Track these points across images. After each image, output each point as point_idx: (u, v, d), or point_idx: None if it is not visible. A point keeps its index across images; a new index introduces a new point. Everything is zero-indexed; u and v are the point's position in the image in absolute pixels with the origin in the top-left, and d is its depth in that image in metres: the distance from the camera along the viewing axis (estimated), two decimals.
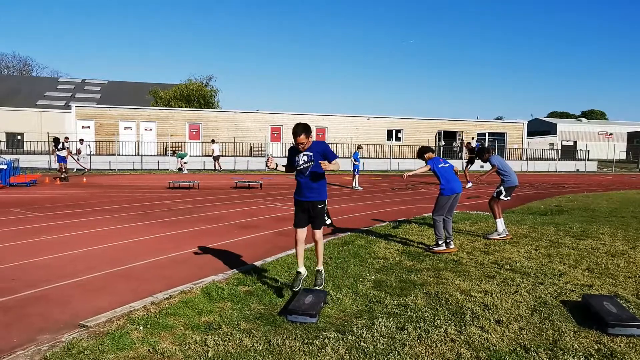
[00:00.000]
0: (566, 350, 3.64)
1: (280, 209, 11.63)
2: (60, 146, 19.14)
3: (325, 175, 4.81)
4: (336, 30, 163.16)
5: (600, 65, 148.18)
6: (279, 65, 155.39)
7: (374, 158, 32.52)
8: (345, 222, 9.64)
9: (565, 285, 5.32)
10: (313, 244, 4.99)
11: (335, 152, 4.82)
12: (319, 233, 4.78)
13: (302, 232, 4.79)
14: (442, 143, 35.25)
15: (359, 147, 18.71)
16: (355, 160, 17.55)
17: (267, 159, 4.69)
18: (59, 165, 19.03)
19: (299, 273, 4.73)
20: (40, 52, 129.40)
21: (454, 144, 36.09)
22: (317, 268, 4.87)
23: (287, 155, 4.84)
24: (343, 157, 28.16)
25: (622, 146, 54.40)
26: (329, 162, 4.56)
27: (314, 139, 4.73)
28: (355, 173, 17.45)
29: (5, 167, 15.86)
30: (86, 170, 23.32)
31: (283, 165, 4.94)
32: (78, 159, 22.68)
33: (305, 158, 4.60)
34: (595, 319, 4.14)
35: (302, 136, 4.52)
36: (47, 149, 26.98)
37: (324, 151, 4.64)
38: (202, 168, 28.14)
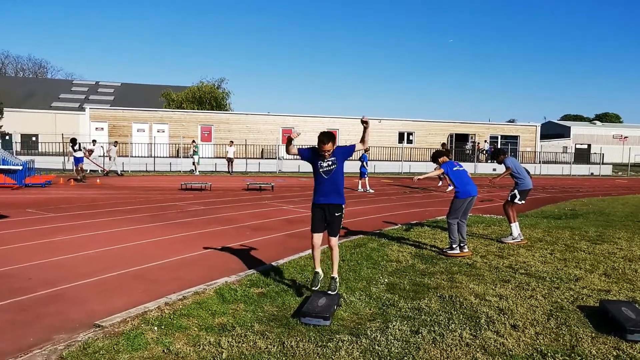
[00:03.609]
0: (584, 356, 3.58)
1: (292, 211, 11.64)
2: (76, 147, 19.34)
3: (344, 180, 4.86)
4: (347, 32, 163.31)
5: (614, 67, 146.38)
6: (291, 67, 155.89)
7: (385, 161, 32.41)
8: (357, 224, 9.62)
9: (581, 290, 5.25)
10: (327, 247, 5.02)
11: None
12: (334, 240, 4.82)
13: (318, 237, 4.83)
14: (468, 146, 35.05)
15: (366, 149, 18.67)
16: (365, 164, 17.51)
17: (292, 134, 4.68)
18: (79, 166, 19.22)
19: (316, 273, 4.82)
20: (55, 54, 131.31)
21: (465, 146, 35.86)
22: (331, 275, 4.86)
23: (306, 148, 4.87)
24: (355, 160, 28.21)
25: (638, 150, 53.57)
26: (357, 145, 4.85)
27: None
28: (363, 176, 17.33)
29: (20, 168, 16.08)
30: (102, 171, 23.45)
31: (295, 146, 4.82)
32: (95, 160, 22.86)
33: (330, 162, 4.70)
34: (613, 325, 4.07)
35: (329, 144, 4.63)
36: (61, 150, 27.31)
37: (345, 151, 4.79)
38: (214, 170, 28.27)
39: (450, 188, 17.47)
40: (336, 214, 4.77)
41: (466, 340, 3.84)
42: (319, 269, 4.85)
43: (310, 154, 4.79)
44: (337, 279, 4.85)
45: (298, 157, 4.89)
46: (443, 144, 20.52)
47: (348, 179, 22.08)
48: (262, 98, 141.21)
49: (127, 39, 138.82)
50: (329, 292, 4.67)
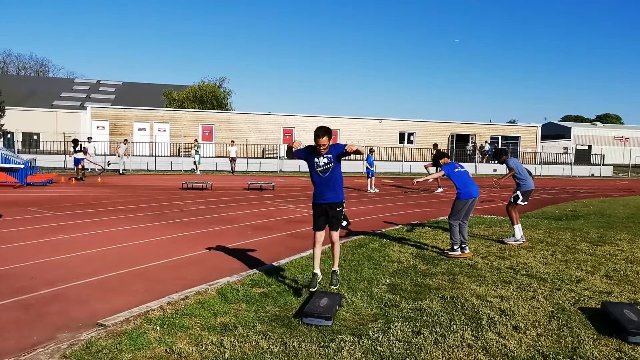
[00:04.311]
0: (586, 358, 3.59)
1: (293, 210, 11.64)
2: (77, 147, 19.36)
3: (342, 177, 4.91)
4: (348, 32, 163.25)
5: (614, 67, 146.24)
6: (291, 67, 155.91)
7: (386, 161, 32.41)
8: (358, 224, 9.62)
9: (583, 291, 5.25)
10: (330, 245, 5.08)
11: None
12: (336, 235, 4.91)
13: (320, 235, 4.90)
14: (469, 147, 35.08)
15: (372, 150, 18.73)
16: (370, 165, 17.53)
17: (293, 143, 4.80)
18: (79, 165, 19.22)
19: (315, 274, 4.81)
20: (56, 53, 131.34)
21: (467, 147, 35.86)
22: (333, 269, 5.01)
23: (303, 148, 4.90)
24: (355, 160, 28.13)
25: (639, 151, 53.54)
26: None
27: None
28: (370, 176, 17.37)
29: (22, 166, 16.11)
30: (102, 169, 23.41)
31: (293, 151, 4.88)
32: (90, 160, 22.81)
33: (326, 160, 4.76)
34: (615, 327, 4.08)
35: (325, 138, 4.66)
36: (62, 149, 27.31)
37: (340, 150, 4.75)
38: (215, 169, 28.29)
39: (440, 190, 17.48)
40: (337, 209, 4.85)
41: (468, 341, 3.85)
42: (317, 270, 4.84)
43: (306, 152, 4.83)
44: (338, 273, 4.98)
45: (298, 159, 4.92)
46: (435, 145, 19.95)
47: (348, 178, 22.01)
48: (263, 98, 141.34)
49: (129, 38, 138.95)
50: (331, 286, 4.73)
